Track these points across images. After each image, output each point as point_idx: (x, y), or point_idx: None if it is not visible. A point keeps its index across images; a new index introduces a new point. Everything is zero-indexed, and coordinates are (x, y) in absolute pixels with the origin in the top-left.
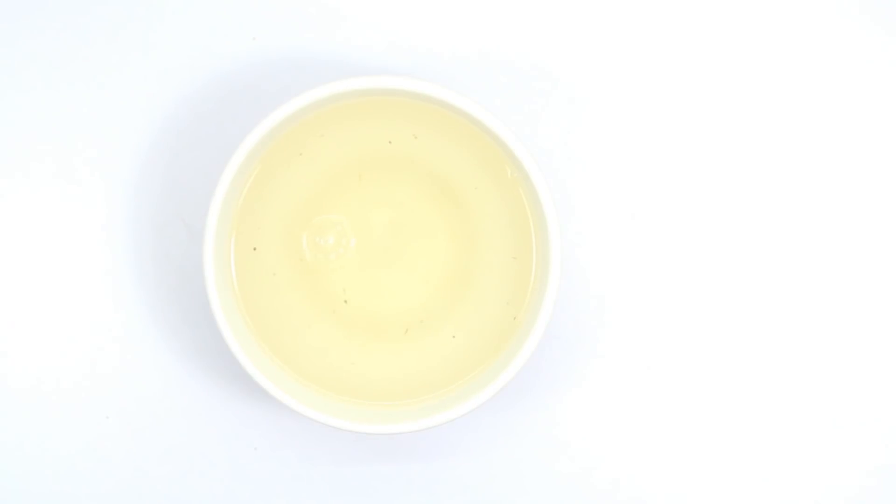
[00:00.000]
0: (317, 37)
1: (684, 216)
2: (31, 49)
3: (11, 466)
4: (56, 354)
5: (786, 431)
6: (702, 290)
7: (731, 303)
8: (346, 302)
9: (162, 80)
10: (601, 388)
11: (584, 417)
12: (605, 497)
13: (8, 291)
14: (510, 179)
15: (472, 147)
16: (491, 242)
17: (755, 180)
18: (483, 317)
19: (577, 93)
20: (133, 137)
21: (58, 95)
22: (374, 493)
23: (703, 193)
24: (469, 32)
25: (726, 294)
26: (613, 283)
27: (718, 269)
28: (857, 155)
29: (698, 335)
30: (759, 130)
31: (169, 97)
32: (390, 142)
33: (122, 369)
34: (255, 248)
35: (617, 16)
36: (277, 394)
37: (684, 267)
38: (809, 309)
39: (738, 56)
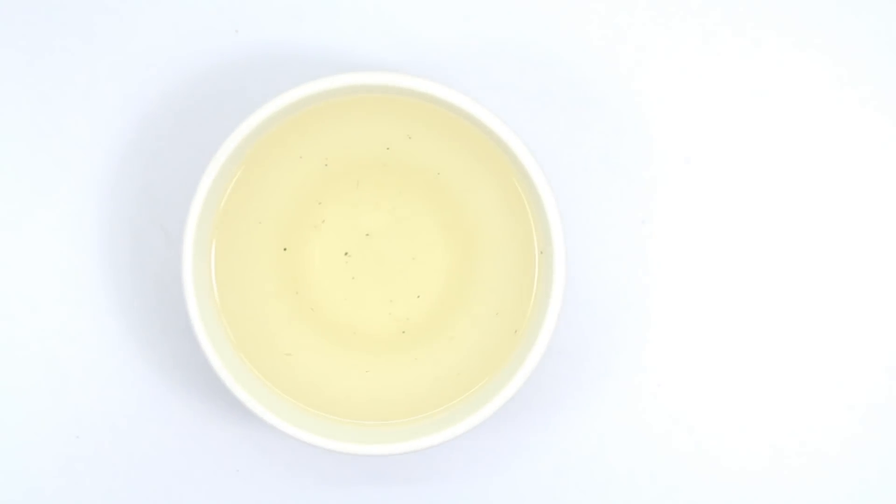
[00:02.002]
0: (304, 30)
1: (699, 222)
2: None
3: None
4: (22, 370)
5: (803, 455)
6: (718, 300)
7: (750, 313)
8: (336, 315)
9: (138, 77)
10: (608, 407)
11: (590, 438)
12: None
13: None
14: (511, 182)
15: (472, 148)
16: (490, 250)
17: (774, 182)
18: (482, 329)
19: (583, 89)
20: (107, 137)
21: (27, 92)
22: None
23: (719, 198)
24: (467, 25)
25: (744, 304)
26: (622, 293)
27: (735, 277)
28: (876, 168)
29: (714, 350)
30: (780, 130)
31: (145, 95)
32: (388, 148)
33: (94, 386)
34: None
35: (627, 5)
36: (261, 412)
37: (699, 277)
38: (828, 323)
39: (753, 53)
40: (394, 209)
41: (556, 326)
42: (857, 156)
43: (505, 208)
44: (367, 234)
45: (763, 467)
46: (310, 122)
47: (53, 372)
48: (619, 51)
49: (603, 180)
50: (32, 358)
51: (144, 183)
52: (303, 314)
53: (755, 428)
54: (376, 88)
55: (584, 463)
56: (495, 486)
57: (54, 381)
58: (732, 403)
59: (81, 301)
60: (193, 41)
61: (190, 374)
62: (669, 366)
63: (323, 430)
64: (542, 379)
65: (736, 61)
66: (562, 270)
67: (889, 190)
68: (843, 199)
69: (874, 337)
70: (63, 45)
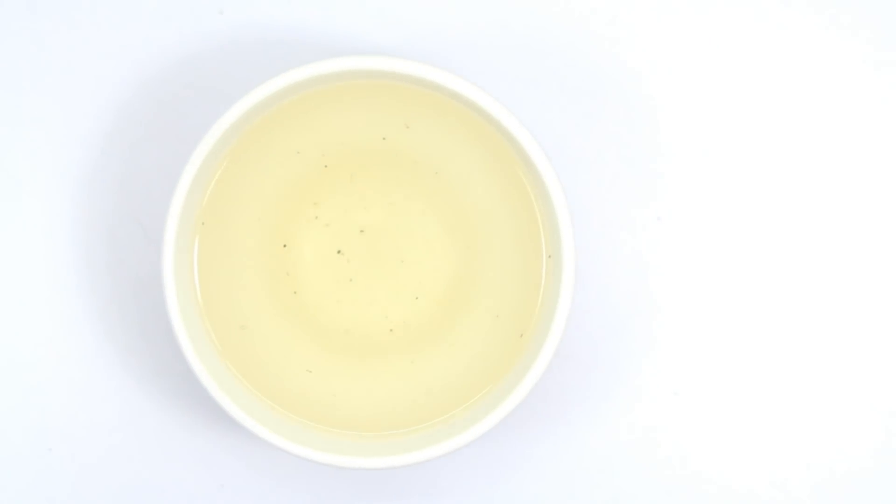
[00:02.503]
0: (293, 11)
1: (718, 218)
2: None
3: None
4: None
5: (826, 465)
6: (739, 302)
7: (774, 316)
8: (328, 318)
9: (114, 61)
10: (620, 418)
11: (600, 451)
12: None
13: None
14: (517, 176)
15: (475, 139)
16: (494, 248)
17: (799, 175)
18: (484, 333)
19: (594, 77)
20: (82, 127)
21: None
22: None
23: (740, 193)
24: (469, 6)
25: (768, 306)
26: (636, 294)
27: (758, 278)
28: None
29: (735, 356)
30: (804, 117)
31: (122, 80)
32: (384, 138)
33: (68, 394)
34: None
35: None
36: (247, 422)
37: (718, 278)
38: (856, 327)
39: (774, 37)
40: (390, 204)
41: (565, 330)
42: (884, 148)
43: (510, 204)
44: (362, 231)
45: (784, 480)
46: (300, 110)
47: (23, 380)
48: (633, 36)
49: (615, 174)
50: (0, 364)
51: (122, 176)
52: (292, 317)
53: (779, 440)
54: (372, 74)
55: (594, 477)
56: (498, 501)
57: (25, 390)
58: (755, 414)
59: (54, 304)
60: (174, 22)
61: (171, 382)
62: (687, 373)
63: (314, 441)
64: (550, 386)
65: (756, 46)
66: (571, 270)
67: None
68: (873, 195)
69: None
70: (34, 26)
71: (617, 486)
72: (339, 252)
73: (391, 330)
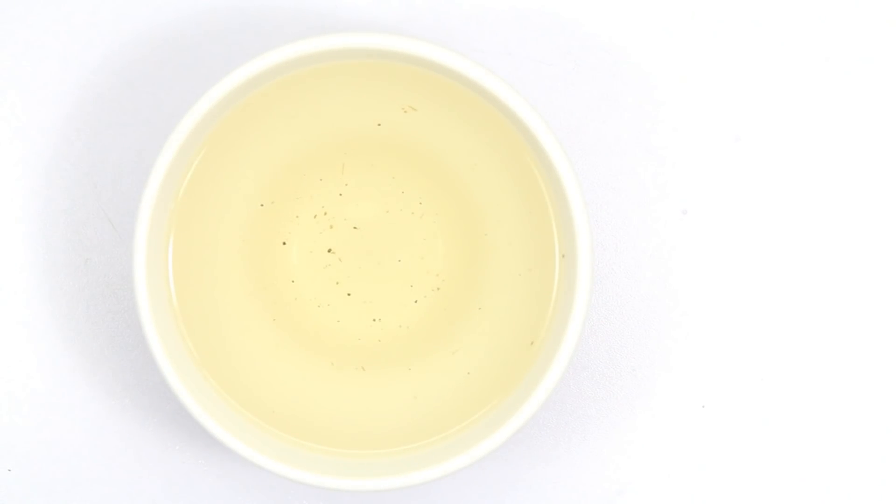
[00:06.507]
0: None
1: (751, 213)
2: None
3: None
4: None
5: (860, 484)
6: (773, 306)
7: (814, 321)
8: (317, 324)
9: (80, 38)
10: (642, 434)
11: (620, 471)
12: None
13: None
14: (528, 167)
15: (480, 126)
16: (502, 247)
17: (841, 165)
18: (491, 342)
19: (612, 57)
20: (42, 112)
21: None
22: None
23: (776, 184)
24: None
25: (805, 310)
26: (658, 298)
27: (795, 279)
28: None
29: (768, 364)
30: (847, 98)
31: (89, 59)
32: (379, 124)
33: (29, 409)
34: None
35: None
36: (227, 439)
37: (750, 278)
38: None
39: (813, 13)
40: (386, 198)
41: (581, 337)
42: None
43: (519, 197)
44: (355, 228)
45: (818, 498)
46: (285, 93)
47: None
48: (657, 10)
49: (636, 163)
50: None
51: (88, 166)
52: (278, 323)
53: (817, 459)
54: (366, 53)
55: (612, 499)
56: None
57: None
58: (791, 431)
59: (11, 309)
60: None
61: (143, 395)
62: (716, 384)
63: (302, 461)
64: (564, 400)
65: (794, 22)
66: (587, 270)
67: None
68: None
69: None
70: None
71: (635, 501)
72: (329, 251)
73: (386, 336)
